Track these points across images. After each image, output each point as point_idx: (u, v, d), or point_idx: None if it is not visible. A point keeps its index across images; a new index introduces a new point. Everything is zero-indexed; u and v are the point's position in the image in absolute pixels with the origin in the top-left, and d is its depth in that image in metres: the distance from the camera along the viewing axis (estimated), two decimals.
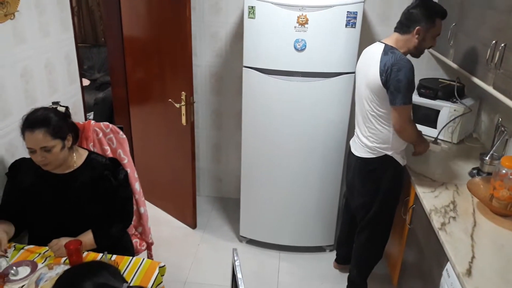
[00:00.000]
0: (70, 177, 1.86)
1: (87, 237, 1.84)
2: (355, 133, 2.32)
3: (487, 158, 2.15)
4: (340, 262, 2.75)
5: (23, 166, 1.87)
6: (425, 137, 2.37)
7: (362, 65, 2.18)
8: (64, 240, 1.74)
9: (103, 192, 1.88)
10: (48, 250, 1.80)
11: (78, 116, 2.65)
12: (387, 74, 1.96)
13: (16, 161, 1.91)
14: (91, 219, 1.89)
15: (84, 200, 1.87)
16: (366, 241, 2.39)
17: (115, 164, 1.96)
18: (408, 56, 2.04)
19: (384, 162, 2.16)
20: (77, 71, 2.66)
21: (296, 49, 2.41)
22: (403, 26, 2.05)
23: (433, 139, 2.56)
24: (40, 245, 1.83)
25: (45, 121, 1.72)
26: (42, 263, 1.73)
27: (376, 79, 2.00)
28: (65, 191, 1.85)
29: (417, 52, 2.09)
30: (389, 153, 2.14)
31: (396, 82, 1.94)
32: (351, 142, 2.37)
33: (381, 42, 2.10)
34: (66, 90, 2.53)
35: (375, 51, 2.06)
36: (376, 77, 2.00)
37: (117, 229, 1.96)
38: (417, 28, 2.00)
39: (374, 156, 2.17)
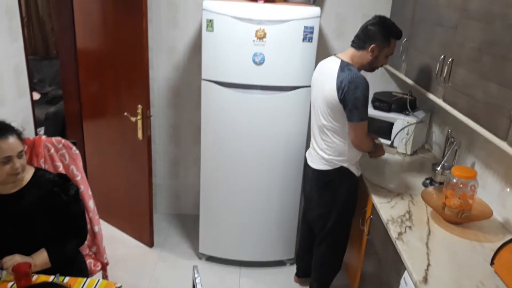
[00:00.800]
0: (16, 196, 1.75)
1: (41, 256, 1.74)
2: (311, 145, 2.34)
3: (438, 168, 2.23)
4: (300, 275, 2.74)
5: None
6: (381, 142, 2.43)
7: (318, 79, 2.21)
8: (18, 257, 1.65)
9: (53, 210, 1.79)
10: None
11: (28, 131, 2.50)
12: (344, 91, 1.99)
13: None
14: (43, 238, 1.79)
15: (33, 219, 1.77)
16: (325, 253, 2.40)
17: (64, 180, 1.87)
18: (362, 72, 2.09)
19: (340, 173, 2.19)
20: (27, 84, 2.54)
21: (255, 63, 2.42)
22: (359, 42, 2.09)
23: (388, 143, 2.62)
24: None
25: (9, 126, 1.68)
26: None
27: (332, 95, 2.04)
28: (12, 212, 1.74)
29: (370, 68, 2.16)
30: (344, 165, 2.18)
31: (353, 99, 1.99)
32: (307, 154, 2.40)
33: (337, 56, 2.14)
34: (15, 103, 2.40)
35: (331, 67, 2.09)
36: (333, 93, 2.03)
37: (72, 245, 1.88)
38: (372, 46, 2.05)
39: (330, 168, 2.20)
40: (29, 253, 1.74)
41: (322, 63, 2.23)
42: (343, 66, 2.05)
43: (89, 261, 2.18)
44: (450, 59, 1.81)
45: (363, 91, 2.00)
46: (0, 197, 1.73)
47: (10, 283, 1.64)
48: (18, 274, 1.58)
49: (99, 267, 2.22)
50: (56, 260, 1.77)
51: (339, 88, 2.00)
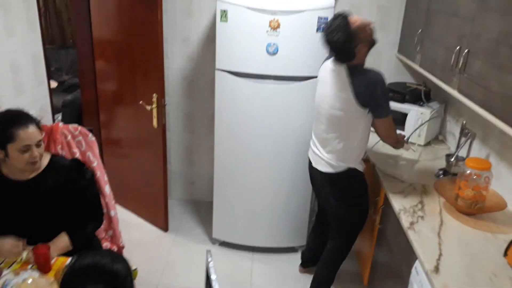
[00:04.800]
0: (33, 182, 1.78)
1: (62, 240, 1.80)
2: (313, 147, 2.30)
3: (452, 159, 2.23)
4: (305, 265, 2.77)
5: None
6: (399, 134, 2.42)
7: (325, 91, 2.12)
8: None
9: (70, 195, 1.84)
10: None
11: (46, 118, 2.58)
12: (363, 95, 1.97)
13: None
14: (60, 223, 1.84)
15: (50, 204, 1.82)
16: (339, 247, 2.39)
17: (80, 165, 1.90)
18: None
19: (348, 174, 2.19)
20: (45, 73, 2.60)
21: (268, 53, 2.43)
22: (346, 58, 2.00)
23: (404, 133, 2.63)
24: None
25: (28, 115, 1.71)
26: (8, 269, 1.67)
27: (350, 102, 1.99)
28: (29, 198, 1.78)
29: (370, 49, 2.07)
30: (351, 166, 2.17)
31: (375, 99, 1.99)
32: (310, 155, 2.35)
33: (338, 62, 2.04)
34: (33, 92, 2.46)
35: (341, 73, 2.02)
36: (351, 100, 1.99)
37: (90, 228, 1.93)
38: (356, 50, 1.97)
39: (338, 171, 2.18)
40: (48, 239, 1.79)
41: (326, 67, 2.14)
42: (352, 70, 1.99)
43: (105, 244, 2.25)
44: (466, 50, 1.80)
45: (382, 87, 1.99)
46: (18, 183, 1.77)
47: (30, 265, 1.71)
48: (37, 255, 1.65)
49: (115, 250, 2.28)
50: (77, 242, 1.83)
51: (357, 93, 1.97)
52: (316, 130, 2.28)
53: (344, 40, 1.93)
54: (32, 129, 1.68)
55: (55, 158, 1.87)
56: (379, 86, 1.99)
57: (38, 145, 1.71)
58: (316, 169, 2.27)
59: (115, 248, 2.27)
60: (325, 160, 2.21)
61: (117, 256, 1.19)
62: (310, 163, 2.36)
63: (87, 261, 1.14)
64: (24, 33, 2.34)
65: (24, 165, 1.70)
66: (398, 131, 2.56)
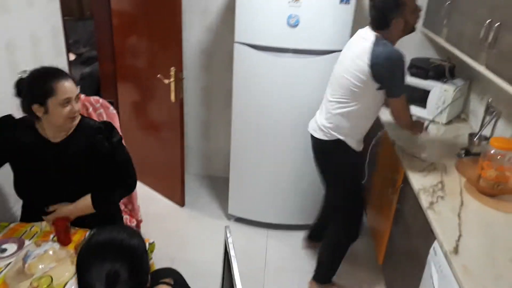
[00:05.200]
0: (63, 144, 1.76)
1: (85, 201, 1.80)
2: (316, 115, 2.27)
3: (475, 138, 2.17)
4: (309, 239, 2.78)
5: (19, 124, 1.77)
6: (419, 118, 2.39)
7: (349, 50, 2.09)
8: (62, 207, 1.74)
9: (98, 157, 1.80)
10: (34, 227, 1.78)
11: None
12: (379, 68, 1.91)
13: (4, 116, 1.78)
14: (88, 186, 1.83)
15: (79, 167, 1.80)
16: (338, 224, 2.36)
17: (108, 127, 1.86)
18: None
19: (336, 146, 2.14)
20: (64, 44, 2.59)
21: (289, 25, 2.36)
22: (379, 24, 1.97)
23: (425, 112, 2.57)
24: (33, 217, 1.81)
25: (64, 71, 1.70)
26: (29, 240, 1.71)
27: (363, 69, 1.94)
28: (59, 160, 1.77)
29: (407, 34, 2.03)
30: (341, 137, 2.12)
31: (392, 75, 1.93)
32: (310, 122, 2.32)
33: (372, 30, 2.00)
34: (52, 63, 2.43)
35: (366, 39, 1.97)
36: (365, 67, 1.93)
37: (117, 194, 1.91)
38: (393, 21, 1.93)
39: (327, 139, 2.15)
40: (73, 201, 1.79)
41: (358, 33, 2.10)
42: (378, 41, 1.94)
43: (125, 217, 2.28)
44: (497, 24, 1.71)
45: (400, 66, 1.93)
46: (49, 144, 1.75)
47: (51, 235, 1.74)
48: (57, 228, 1.68)
49: (134, 223, 2.32)
50: (99, 206, 1.81)
51: (374, 64, 1.90)
52: (324, 96, 2.23)
53: (389, 5, 1.91)
54: (70, 82, 1.66)
55: (85, 120, 1.84)
56: (398, 64, 1.92)
57: (76, 99, 1.69)
58: (311, 135, 2.25)
59: (134, 222, 2.31)
60: (318, 125, 2.19)
61: (134, 232, 1.19)
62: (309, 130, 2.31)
63: (103, 237, 1.14)
64: (43, 3, 2.32)
65: (64, 121, 1.67)
66: (419, 115, 2.51)
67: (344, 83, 2.04)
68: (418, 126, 2.24)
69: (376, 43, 1.93)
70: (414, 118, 2.23)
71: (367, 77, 1.94)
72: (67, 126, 1.72)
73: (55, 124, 1.69)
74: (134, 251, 1.14)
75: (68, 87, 1.64)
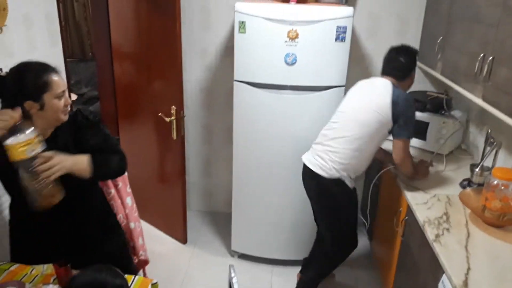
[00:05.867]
0: (51, 140, 1.65)
1: (83, 157, 1.64)
2: (313, 152, 2.30)
3: (477, 169, 2.17)
4: (302, 271, 2.73)
5: None
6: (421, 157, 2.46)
7: (364, 91, 2.24)
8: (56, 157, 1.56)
9: (84, 139, 1.71)
10: (34, 270, 1.75)
11: None
12: (399, 107, 2.07)
13: None
14: (84, 181, 1.68)
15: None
16: (326, 252, 2.43)
17: (80, 110, 1.78)
18: None
19: (335, 184, 2.20)
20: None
21: (287, 63, 2.42)
22: (401, 73, 2.20)
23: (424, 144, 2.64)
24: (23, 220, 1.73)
25: (48, 64, 1.62)
26: (30, 283, 1.67)
27: (384, 109, 2.08)
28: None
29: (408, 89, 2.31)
30: (342, 177, 2.18)
31: (407, 117, 2.10)
32: (306, 158, 2.35)
33: (385, 77, 2.21)
34: None
35: (384, 83, 2.16)
36: (387, 106, 2.08)
37: (115, 160, 1.79)
38: (412, 73, 2.24)
39: (328, 177, 2.19)
40: (74, 196, 1.68)
41: (370, 80, 2.29)
42: (395, 86, 2.14)
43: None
44: (490, 58, 1.76)
45: (413, 110, 2.14)
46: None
47: (52, 278, 1.71)
48: (58, 269, 1.64)
49: (136, 261, 2.27)
50: (98, 167, 1.67)
51: (395, 102, 2.07)
52: (323, 134, 2.29)
53: (413, 59, 2.22)
54: (58, 74, 1.61)
55: None
56: (412, 107, 2.13)
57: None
58: (308, 169, 2.27)
59: (135, 260, 2.26)
60: (320, 161, 2.22)
61: (116, 272, 1.17)
62: (304, 167, 2.34)
63: (86, 278, 1.13)
64: (46, 47, 2.38)
65: (60, 113, 1.61)
66: (416, 140, 2.54)
67: (358, 120, 2.14)
68: (422, 170, 2.29)
69: (394, 87, 2.12)
70: (416, 160, 2.31)
71: (386, 114, 2.08)
72: (61, 119, 1.64)
73: (50, 119, 1.61)
74: None
75: (60, 79, 1.59)
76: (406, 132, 2.10)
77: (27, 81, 1.52)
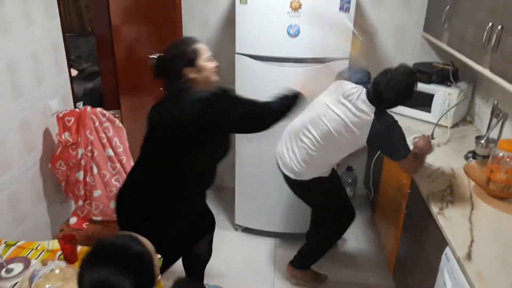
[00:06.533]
0: None
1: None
2: (285, 149, 2.26)
3: (482, 141, 2.15)
4: None
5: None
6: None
7: (338, 111, 2.03)
8: None
9: None
10: (40, 245, 1.77)
11: (68, 106, 2.60)
12: (377, 141, 2.00)
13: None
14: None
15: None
16: (327, 225, 2.46)
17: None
18: None
19: (313, 182, 2.20)
20: (65, 61, 2.59)
21: (290, 35, 2.36)
22: (388, 106, 2.01)
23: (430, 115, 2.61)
24: None
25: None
26: (36, 259, 1.69)
27: (361, 136, 1.98)
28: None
29: None
30: (316, 176, 2.18)
31: (393, 144, 1.98)
32: (278, 155, 2.31)
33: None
34: (54, 80, 2.46)
35: (367, 114, 1.96)
36: (363, 135, 1.98)
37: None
38: (398, 104, 2.04)
39: (305, 179, 2.20)
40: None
41: (346, 96, 2.03)
42: (378, 113, 1.95)
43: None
44: (499, 27, 1.70)
45: (398, 132, 1.96)
46: None
47: (58, 253, 1.73)
48: (64, 247, 1.66)
49: None
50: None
51: (372, 139, 1.97)
52: (297, 131, 2.18)
53: (401, 93, 1.95)
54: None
55: None
56: (396, 132, 1.96)
57: None
58: (283, 172, 2.26)
59: None
60: (293, 166, 2.18)
61: (136, 238, 1.16)
62: (277, 162, 2.32)
63: (108, 241, 1.12)
64: (43, 21, 2.33)
65: (213, 74, 1.81)
66: (421, 112, 2.49)
67: (333, 140, 2.04)
68: (426, 148, 2.07)
69: (377, 117, 1.95)
70: (416, 138, 2.25)
71: (361, 142, 2.03)
72: (214, 80, 1.83)
73: (207, 80, 1.80)
74: (140, 258, 1.11)
75: (204, 46, 1.79)
76: (400, 154, 1.98)
77: (183, 51, 1.76)
